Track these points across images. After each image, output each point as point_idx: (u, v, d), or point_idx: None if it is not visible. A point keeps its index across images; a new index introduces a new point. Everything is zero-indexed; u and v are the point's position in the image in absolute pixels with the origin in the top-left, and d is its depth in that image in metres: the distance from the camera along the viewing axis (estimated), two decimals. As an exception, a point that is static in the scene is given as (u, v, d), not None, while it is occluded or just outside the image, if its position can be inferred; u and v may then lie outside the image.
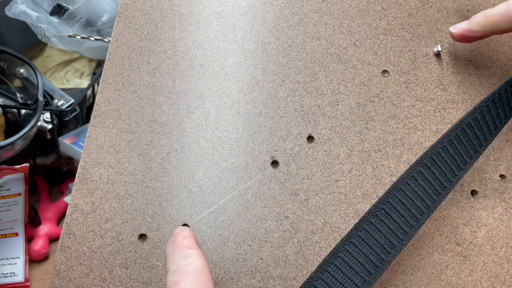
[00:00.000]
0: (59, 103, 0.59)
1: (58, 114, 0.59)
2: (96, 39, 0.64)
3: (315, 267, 0.30)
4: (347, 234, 0.28)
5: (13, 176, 0.55)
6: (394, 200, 0.29)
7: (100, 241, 0.30)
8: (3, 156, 0.50)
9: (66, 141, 0.59)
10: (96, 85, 0.65)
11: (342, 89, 0.34)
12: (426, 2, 0.36)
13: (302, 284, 0.28)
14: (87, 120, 0.65)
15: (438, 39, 0.36)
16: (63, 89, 0.62)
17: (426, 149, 0.33)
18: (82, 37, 0.63)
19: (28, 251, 0.60)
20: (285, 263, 0.30)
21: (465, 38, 0.34)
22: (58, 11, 0.65)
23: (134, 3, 0.36)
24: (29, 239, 0.61)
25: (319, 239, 0.31)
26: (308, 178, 0.32)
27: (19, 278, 0.58)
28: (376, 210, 0.29)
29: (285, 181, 0.32)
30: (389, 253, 0.28)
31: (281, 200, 0.32)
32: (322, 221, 0.31)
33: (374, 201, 0.32)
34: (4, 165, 0.54)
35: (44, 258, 0.61)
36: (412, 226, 0.28)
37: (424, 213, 0.29)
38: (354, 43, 0.35)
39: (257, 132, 0.33)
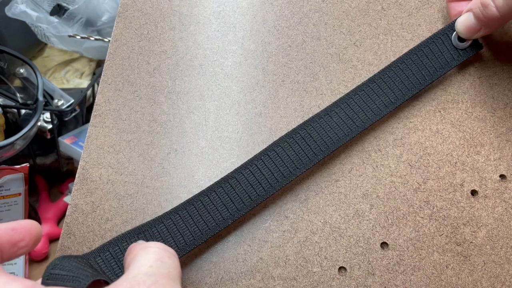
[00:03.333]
0: (59, 103, 0.59)
1: (58, 114, 0.58)
2: (96, 39, 0.64)
3: (315, 267, 0.30)
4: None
5: (13, 176, 0.55)
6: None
7: (100, 241, 0.30)
8: (3, 156, 0.50)
9: (66, 141, 0.59)
10: (96, 85, 0.65)
11: (342, 89, 0.34)
12: (426, 2, 0.36)
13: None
14: (87, 120, 0.65)
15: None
16: (63, 89, 0.62)
17: (425, 148, 0.33)
18: (82, 37, 0.63)
19: (28, 251, 0.60)
20: (285, 263, 0.30)
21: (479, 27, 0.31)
22: (58, 11, 0.65)
23: (134, 3, 0.36)
24: (29, 239, 0.61)
25: (319, 239, 0.31)
26: (308, 178, 0.32)
27: (19, 278, 0.58)
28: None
29: (285, 181, 0.32)
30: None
31: (281, 200, 0.32)
32: (322, 221, 0.31)
33: (374, 201, 0.32)
34: (4, 165, 0.54)
35: (44, 258, 0.61)
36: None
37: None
38: (354, 43, 0.35)
39: (257, 132, 0.33)
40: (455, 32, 0.33)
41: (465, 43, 0.33)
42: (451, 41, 0.33)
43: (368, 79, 0.32)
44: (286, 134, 0.31)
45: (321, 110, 0.31)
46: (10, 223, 0.23)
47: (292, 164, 0.30)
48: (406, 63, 0.32)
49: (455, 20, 0.33)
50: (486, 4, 0.30)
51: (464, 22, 0.32)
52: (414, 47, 0.33)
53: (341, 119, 0.31)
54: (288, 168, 0.30)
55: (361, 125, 0.31)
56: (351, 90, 0.32)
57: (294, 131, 0.31)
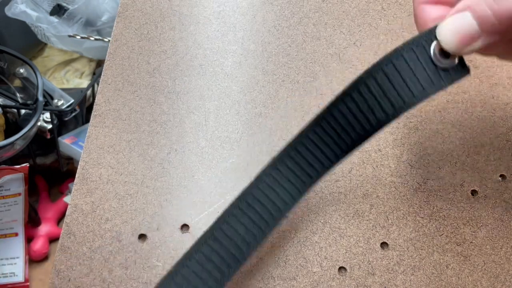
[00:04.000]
0: (59, 103, 0.59)
1: (58, 114, 0.58)
2: (96, 39, 0.64)
3: (315, 267, 0.30)
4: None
5: (13, 176, 0.55)
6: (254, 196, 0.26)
7: (100, 241, 0.30)
8: (3, 156, 0.50)
9: (66, 141, 0.59)
10: (96, 85, 0.65)
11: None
12: (426, 2, 0.36)
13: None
14: (87, 120, 0.65)
15: (438, 39, 0.36)
16: (63, 89, 0.62)
17: (425, 148, 0.33)
18: (82, 37, 0.63)
19: (28, 251, 0.60)
20: (285, 263, 0.30)
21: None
22: (58, 11, 0.65)
23: (134, 3, 0.36)
24: (29, 239, 0.61)
25: (319, 239, 0.31)
26: (308, 178, 0.32)
27: (19, 278, 0.58)
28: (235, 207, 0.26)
29: (285, 181, 0.32)
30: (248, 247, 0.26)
31: (281, 200, 0.32)
32: (322, 221, 0.31)
33: (374, 201, 0.32)
34: (4, 165, 0.54)
35: (44, 258, 0.61)
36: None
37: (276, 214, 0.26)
38: (354, 43, 0.35)
39: (257, 132, 0.33)
40: (435, 43, 0.22)
41: (449, 60, 0.22)
42: (429, 56, 0.22)
43: (314, 119, 0.24)
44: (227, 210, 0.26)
45: (261, 172, 0.26)
46: None
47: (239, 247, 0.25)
48: (363, 94, 0.23)
49: (435, 26, 0.22)
50: None
51: (456, 26, 0.21)
52: (374, 66, 0.23)
53: (292, 175, 0.26)
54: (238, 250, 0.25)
55: (309, 181, 0.26)
56: (294, 138, 0.26)
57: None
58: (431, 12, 0.23)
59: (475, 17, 0.21)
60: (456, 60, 0.22)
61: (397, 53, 0.22)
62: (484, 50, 0.21)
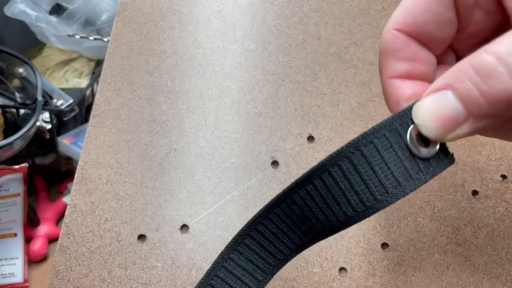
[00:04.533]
0: (58, 103, 0.59)
1: (57, 114, 0.58)
2: (95, 39, 0.64)
3: (316, 267, 0.30)
4: None
5: (12, 176, 0.55)
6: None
7: (99, 241, 0.30)
8: (2, 156, 0.50)
9: (65, 141, 0.59)
10: (95, 85, 0.65)
11: (343, 89, 0.34)
12: (427, 2, 0.36)
13: None
14: (86, 120, 0.65)
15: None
16: (62, 89, 0.62)
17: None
18: (81, 37, 0.63)
19: (27, 252, 0.60)
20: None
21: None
22: (57, 10, 0.65)
23: (134, 2, 0.36)
24: (28, 240, 0.61)
25: (319, 239, 0.31)
26: (309, 178, 0.32)
27: (18, 278, 0.58)
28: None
29: (285, 181, 0.32)
30: None
31: (281, 201, 0.31)
32: (322, 221, 0.31)
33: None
34: (3, 165, 0.53)
35: (43, 258, 0.61)
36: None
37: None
38: (355, 42, 0.35)
39: (257, 132, 0.33)
40: (411, 127, 0.17)
41: (430, 147, 0.18)
42: (404, 143, 0.17)
43: (270, 204, 0.21)
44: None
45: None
46: None
47: None
48: (326, 182, 0.18)
49: (410, 106, 0.18)
50: (491, 71, 0.15)
51: (436, 108, 0.17)
52: (337, 152, 0.18)
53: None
54: None
55: None
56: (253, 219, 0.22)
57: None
58: (404, 89, 0.19)
59: (458, 98, 0.16)
60: (437, 147, 0.18)
61: (365, 139, 0.17)
62: (474, 134, 0.17)
